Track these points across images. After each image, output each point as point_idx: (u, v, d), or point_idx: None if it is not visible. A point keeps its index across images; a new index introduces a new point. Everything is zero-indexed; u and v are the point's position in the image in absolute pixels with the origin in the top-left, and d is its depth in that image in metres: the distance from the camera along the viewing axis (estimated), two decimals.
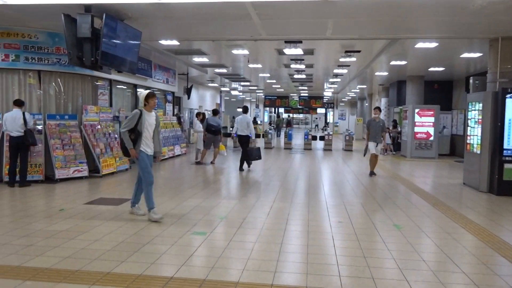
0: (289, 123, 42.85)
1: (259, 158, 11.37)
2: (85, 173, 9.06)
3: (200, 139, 12.61)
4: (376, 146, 10.24)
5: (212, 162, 12.49)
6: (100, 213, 5.99)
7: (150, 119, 5.65)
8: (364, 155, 10.62)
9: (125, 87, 12.12)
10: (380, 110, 10.69)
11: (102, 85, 10.48)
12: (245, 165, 11.24)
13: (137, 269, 3.81)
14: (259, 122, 33.68)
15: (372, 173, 10.36)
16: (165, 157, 13.21)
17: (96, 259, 4.07)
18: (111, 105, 10.89)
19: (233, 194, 7.86)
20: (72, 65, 6.97)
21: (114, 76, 10.58)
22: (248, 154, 11.09)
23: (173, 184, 8.76)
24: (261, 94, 34.08)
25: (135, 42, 7.79)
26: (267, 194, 7.73)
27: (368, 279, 3.72)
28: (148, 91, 5.70)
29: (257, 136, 18.89)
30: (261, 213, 6.23)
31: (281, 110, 46.17)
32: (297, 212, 6.33)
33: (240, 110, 42.87)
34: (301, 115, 55.90)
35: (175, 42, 10.36)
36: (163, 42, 10.31)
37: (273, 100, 32.35)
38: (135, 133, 5.53)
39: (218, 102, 28.59)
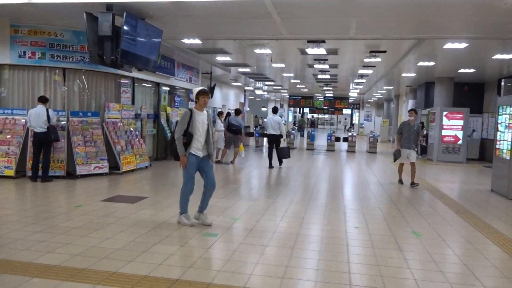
0: (312, 123, 42.51)
1: (288, 156, 11.89)
2: (106, 170, 9.18)
3: (221, 138, 12.63)
4: (411, 153, 9.18)
5: (232, 162, 12.45)
6: (115, 211, 6.02)
7: (201, 118, 5.18)
8: (394, 161, 9.53)
9: (147, 85, 12.23)
10: (416, 113, 9.55)
11: (125, 83, 10.61)
12: (275, 163, 11.71)
13: (144, 270, 3.78)
14: (283, 122, 33.54)
15: (401, 181, 9.50)
16: None
17: (105, 257, 4.07)
18: (133, 103, 11.00)
19: (249, 195, 7.77)
20: (93, 63, 7.05)
21: (137, 74, 10.68)
22: (278, 153, 11.55)
23: None
24: (286, 94, 33.87)
25: (156, 40, 7.82)
26: (284, 196, 7.61)
27: None
28: (200, 87, 5.27)
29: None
30: (276, 215, 6.12)
31: (306, 110, 45.87)
32: (312, 215, 6.19)
33: (264, 109, 42.87)
34: (326, 116, 55.29)
35: (197, 41, 10.37)
36: (185, 41, 10.34)
37: (297, 100, 32.03)
38: (187, 136, 5.08)
39: (242, 101, 28.58)
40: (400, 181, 9.56)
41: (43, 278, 3.54)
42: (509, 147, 8.21)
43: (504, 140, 8.52)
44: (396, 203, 7.30)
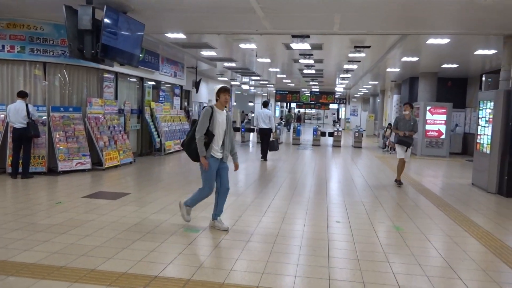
0: (299, 118, 42.57)
1: (277, 149, 12.21)
2: (88, 166, 9.07)
3: None
4: (406, 150, 8.53)
5: None
6: (96, 207, 5.95)
7: (221, 117, 4.82)
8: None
9: (131, 80, 12.09)
10: (411, 107, 8.69)
11: (108, 77, 10.46)
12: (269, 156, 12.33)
13: (123, 267, 3.74)
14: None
15: (399, 183, 8.62)
16: (171, 151, 13.19)
17: (84, 255, 4.02)
18: (116, 98, 10.86)
19: (233, 190, 7.73)
20: (73, 57, 6.93)
21: (120, 68, 10.55)
22: (269, 145, 11.86)
23: (175, 178, 8.71)
24: (272, 88, 33.87)
25: (138, 34, 7.72)
26: (268, 191, 7.62)
27: (358, 283, 3.59)
28: (221, 85, 4.88)
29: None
30: (259, 210, 6.12)
31: (293, 105, 45.95)
32: (295, 211, 6.21)
33: (251, 104, 42.71)
34: (313, 110, 55.46)
35: (181, 36, 10.27)
36: (169, 35, 10.23)
37: (284, 95, 32.11)
38: (208, 135, 4.72)
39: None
40: (399, 183, 8.66)
41: (19, 276, 3.48)
42: (490, 141, 8.35)
43: (484, 134, 8.66)
44: (379, 198, 7.37)
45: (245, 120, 21.36)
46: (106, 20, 6.51)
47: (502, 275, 3.95)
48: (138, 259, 3.95)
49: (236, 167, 5.20)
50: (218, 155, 4.88)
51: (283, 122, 29.53)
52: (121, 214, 5.64)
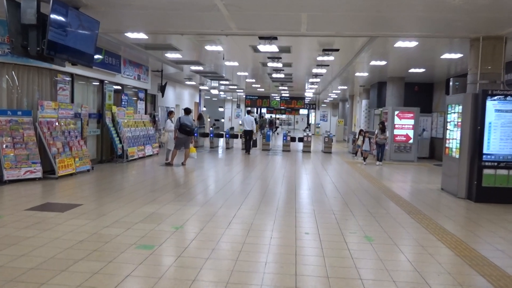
0: (271, 123, 42.43)
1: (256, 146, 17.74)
2: (39, 174, 8.35)
3: (171, 139, 12.02)
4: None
5: (183, 164, 11.86)
6: (40, 221, 5.33)
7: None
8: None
9: (90, 83, 11.38)
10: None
11: (62, 79, 9.75)
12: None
13: None
14: (240, 123, 33.14)
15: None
16: (135, 158, 12.53)
17: (12, 280, 3.45)
18: (72, 101, 10.15)
19: (197, 200, 7.26)
20: (16, 54, 6.27)
21: (76, 70, 9.88)
22: (252, 143, 16.55)
23: (133, 188, 8.12)
24: (242, 93, 33.51)
25: (92, 32, 7.12)
26: (234, 200, 7.17)
27: None
28: None
29: (236, 136, 19.08)
30: (223, 222, 5.66)
31: (264, 110, 45.70)
32: (262, 221, 5.79)
33: (221, 109, 42.26)
34: (283, 116, 55.47)
35: (143, 36, 9.71)
36: (130, 35, 9.65)
37: (254, 100, 31.73)
38: None
39: (198, 101, 27.90)
40: None
41: None
42: (458, 145, 8.24)
43: (453, 138, 8.55)
44: (349, 205, 7.06)
45: (215, 126, 20.81)
46: (53, 15, 5.91)
47: None
48: (77, 284, 3.41)
49: None
50: None
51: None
52: (67, 229, 5.05)
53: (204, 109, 32.82)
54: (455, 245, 4.93)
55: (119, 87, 13.01)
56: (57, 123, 9.18)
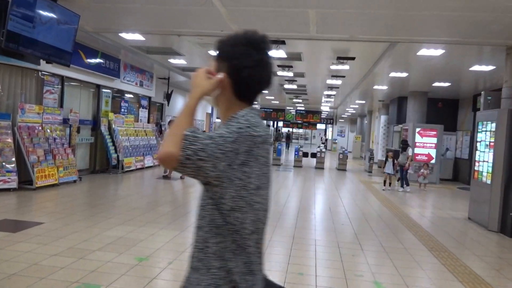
0: (288, 137, 41.46)
1: None
2: (14, 185, 7.51)
3: None
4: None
5: (181, 177, 10.93)
6: None
7: None
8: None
9: (84, 87, 10.62)
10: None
11: (50, 81, 8.99)
12: None
13: None
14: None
15: None
16: (131, 169, 11.67)
17: None
18: (61, 105, 9.37)
19: (178, 222, 6.25)
20: None
21: (68, 72, 9.12)
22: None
23: (113, 204, 7.20)
24: (257, 106, 32.68)
25: (70, 27, 6.32)
26: None
27: None
28: None
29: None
30: None
31: (280, 124, 44.78)
32: None
33: None
34: (300, 130, 54.45)
35: (139, 37, 8.92)
36: (125, 35, 8.85)
37: (268, 113, 30.78)
38: None
39: (210, 111, 27.15)
40: None
41: None
42: (490, 169, 7.05)
43: (484, 161, 7.37)
44: (359, 236, 5.96)
45: None
46: (16, 2, 5.11)
47: None
48: None
49: None
50: None
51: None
52: (6, 256, 4.12)
53: (218, 120, 32.07)
54: None
55: (117, 93, 12.25)
56: (40, 129, 8.39)
